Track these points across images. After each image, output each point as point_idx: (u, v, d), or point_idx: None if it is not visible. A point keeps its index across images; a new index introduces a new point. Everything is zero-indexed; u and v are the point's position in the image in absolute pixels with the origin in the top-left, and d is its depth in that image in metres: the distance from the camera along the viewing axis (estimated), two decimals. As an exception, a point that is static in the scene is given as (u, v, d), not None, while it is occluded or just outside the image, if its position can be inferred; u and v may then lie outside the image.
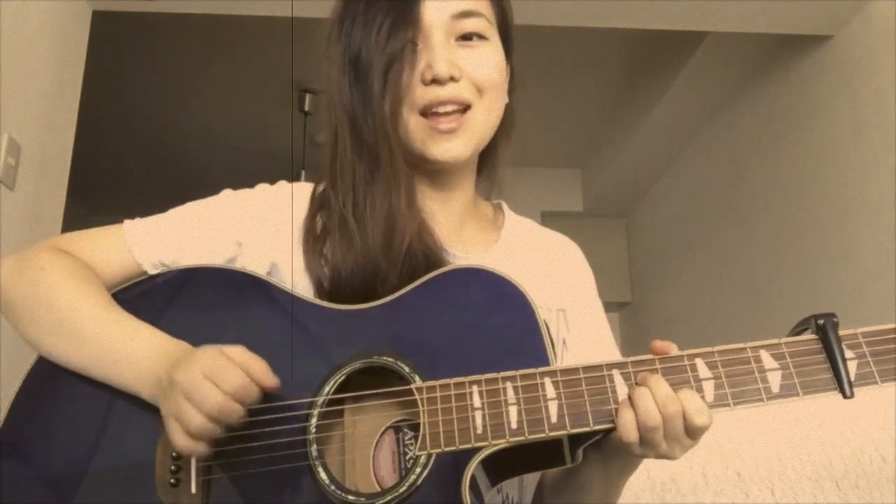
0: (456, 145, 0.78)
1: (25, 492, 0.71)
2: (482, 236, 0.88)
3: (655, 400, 0.61)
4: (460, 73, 0.77)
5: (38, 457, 0.72)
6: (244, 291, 0.77)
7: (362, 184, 0.76)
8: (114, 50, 3.35)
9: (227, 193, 0.85)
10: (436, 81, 0.76)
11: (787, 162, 3.12)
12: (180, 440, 0.64)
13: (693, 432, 0.63)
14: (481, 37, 0.79)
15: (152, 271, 0.80)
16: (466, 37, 0.78)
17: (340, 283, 0.75)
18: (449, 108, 0.77)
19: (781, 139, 3.17)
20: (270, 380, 0.66)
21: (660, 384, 0.62)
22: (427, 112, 0.77)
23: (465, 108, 0.78)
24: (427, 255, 0.76)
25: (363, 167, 0.76)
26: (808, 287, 2.93)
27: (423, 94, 0.76)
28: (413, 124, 0.77)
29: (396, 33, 0.74)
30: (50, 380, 0.75)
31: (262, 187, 0.86)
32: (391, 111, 0.74)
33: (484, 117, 0.79)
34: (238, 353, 0.66)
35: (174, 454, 0.69)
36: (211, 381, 0.62)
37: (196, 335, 0.72)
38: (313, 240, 0.79)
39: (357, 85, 0.76)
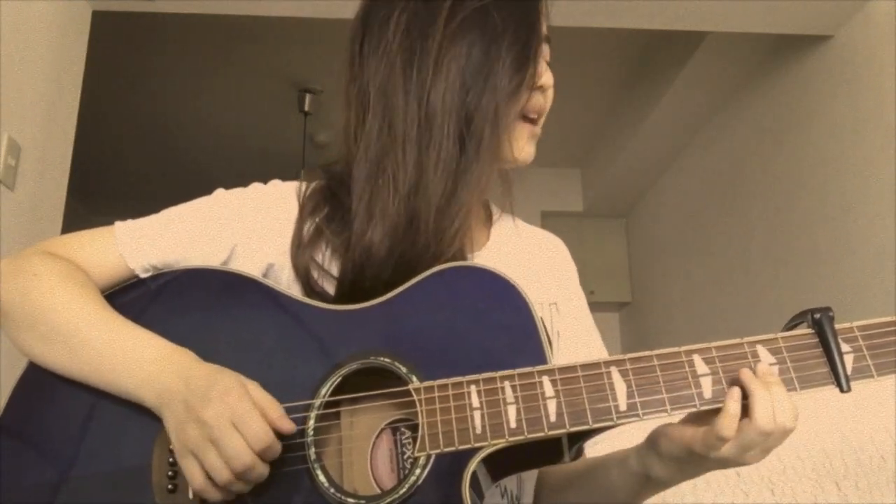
0: (531, 149, 0.84)
1: (21, 496, 0.70)
2: (477, 235, 0.88)
3: (774, 407, 0.61)
4: None
5: (33, 460, 0.71)
6: (239, 293, 0.76)
7: (452, 175, 0.76)
8: (114, 50, 3.35)
9: (220, 193, 0.84)
10: (540, 89, 0.82)
11: (787, 162, 3.12)
12: (198, 481, 0.64)
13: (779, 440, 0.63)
14: (549, 63, 0.85)
15: (143, 275, 0.79)
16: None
17: (371, 270, 0.75)
18: (533, 116, 0.84)
19: (781, 139, 3.17)
20: (286, 425, 0.66)
21: (784, 397, 0.62)
22: (518, 114, 0.82)
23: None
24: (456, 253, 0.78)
25: (464, 160, 0.76)
26: (808, 287, 2.92)
27: (530, 100, 0.81)
28: (515, 127, 0.82)
29: (526, 65, 0.78)
30: (45, 383, 0.74)
31: (256, 187, 0.85)
32: (505, 130, 0.78)
33: (539, 132, 0.86)
34: (259, 395, 0.66)
35: (171, 459, 0.69)
36: (240, 433, 0.62)
37: (191, 338, 0.72)
38: (302, 244, 0.79)
39: (469, 93, 0.77)
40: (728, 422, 0.61)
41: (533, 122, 0.84)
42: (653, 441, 0.70)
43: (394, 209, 0.75)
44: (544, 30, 0.83)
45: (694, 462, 0.67)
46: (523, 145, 0.83)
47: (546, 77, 0.83)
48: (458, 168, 0.76)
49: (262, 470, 0.64)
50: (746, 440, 0.62)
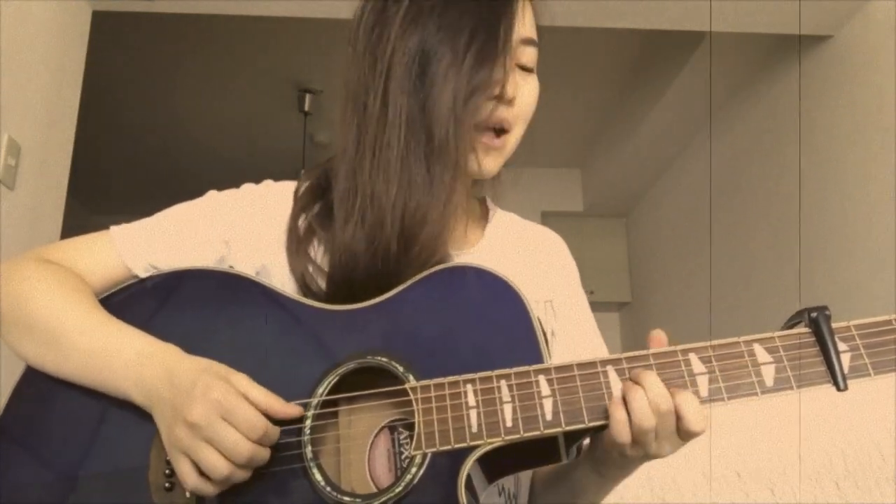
0: (495, 162, 0.80)
1: (20, 496, 0.70)
2: (471, 233, 0.88)
3: (649, 399, 0.61)
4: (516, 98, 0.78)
5: (32, 461, 0.72)
6: (235, 292, 0.76)
7: (416, 185, 0.74)
8: (114, 50, 3.35)
9: (212, 194, 0.84)
10: (499, 99, 0.76)
11: (786, 162, 3.12)
12: (192, 479, 0.64)
13: (685, 435, 0.63)
14: (533, 69, 0.80)
15: (143, 275, 0.79)
16: (524, 67, 0.79)
17: (354, 271, 0.74)
18: (498, 127, 0.79)
19: (781, 139, 3.17)
20: (293, 409, 0.66)
21: (654, 383, 0.62)
22: (479, 125, 0.77)
23: (506, 130, 0.79)
24: (443, 255, 0.76)
25: (421, 167, 0.74)
26: (808, 287, 2.92)
27: (485, 110, 0.76)
28: (475, 137, 0.77)
29: (486, 66, 0.73)
30: (44, 384, 0.74)
31: (247, 187, 0.85)
32: (465, 133, 0.74)
33: (515, 142, 0.81)
34: (255, 392, 0.65)
35: (168, 457, 0.69)
36: (233, 426, 0.63)
37: (188, 337, 0.72)
38: (297, 241, 0.79)
39: (424, 92, 0.74)
40: (619, 427, 0.62)
41: (498, 133, 0.79)
42: (592, 451, 0.72)
43: (363, 210, 0.75)
44: (524, 33, 0.78)
45: (630, 461, 0.69)
46: (483, 157, 0.78)
47: (510, 87, 0.76)
48: (408, 173, 0.73)
49: (265, 455, 0.65)
50: (641, 437, 0.63)
